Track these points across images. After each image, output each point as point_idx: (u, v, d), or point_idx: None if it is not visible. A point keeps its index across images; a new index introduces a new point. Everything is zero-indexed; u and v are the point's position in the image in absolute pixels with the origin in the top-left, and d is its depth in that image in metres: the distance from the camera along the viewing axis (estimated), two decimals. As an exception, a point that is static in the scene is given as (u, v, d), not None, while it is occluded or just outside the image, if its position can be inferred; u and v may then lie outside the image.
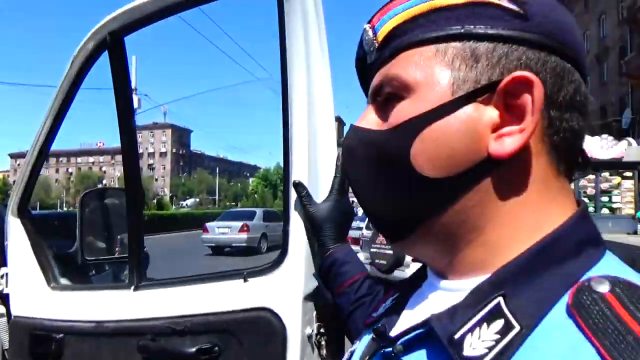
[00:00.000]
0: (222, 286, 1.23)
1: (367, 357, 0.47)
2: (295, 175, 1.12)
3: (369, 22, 0.48)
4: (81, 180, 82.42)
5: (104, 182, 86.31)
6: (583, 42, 0.46)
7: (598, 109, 30.47)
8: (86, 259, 1.58)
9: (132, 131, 1.38)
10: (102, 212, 1.67)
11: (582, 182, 18.15)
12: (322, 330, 1.12)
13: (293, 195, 1.11)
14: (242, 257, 14.25)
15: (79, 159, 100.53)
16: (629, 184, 18.12)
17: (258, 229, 15.83)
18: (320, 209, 1.05)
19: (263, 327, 1.13)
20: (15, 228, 1.49)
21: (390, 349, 0.43)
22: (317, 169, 1.13)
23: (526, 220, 0.41)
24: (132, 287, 1.32)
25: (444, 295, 0.43)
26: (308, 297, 1.12)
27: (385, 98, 0.45)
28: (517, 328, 0.35)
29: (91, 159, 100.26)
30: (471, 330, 0.37)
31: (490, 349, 0.35)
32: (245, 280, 1.21)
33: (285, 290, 1.13)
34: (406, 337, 0.42)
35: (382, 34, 0.46)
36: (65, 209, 63.28)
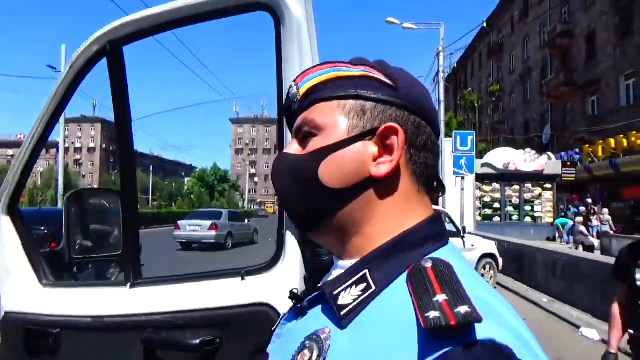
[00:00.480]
0: (220, 284, 1.34)
1: (286, 314, 0.70)
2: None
3: (294, 81, 0.68)
4: (-2, 174, 76.52)
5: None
6: (435, 107, 0.68)
7: (522, 124, 32.72)
8: (73, 257, 1.62)
9: (129, 135, 1.45)
10: (86, 212, 1.71)
11: (508, 192, 19.53)
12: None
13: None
14: (211, 252, 16.36)
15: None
16: (548, 194, 19.71)
17: (224, 228, 18.01)
18: None
19: (263, 321, 1.25)
20: (5, 226, 1.51)
21: (299, 305, 0.64)
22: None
23: (392, 221, 0.61)
24: (129, 285, 1.39)
25: (338, 271, 0.62)
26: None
27: (303, 134, 0.65)
28: (373, 288, 0.55)
29: (10, 152, 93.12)
30: (344, 290, 0.57)
31: (355, 300, 0.55)
32: (242, 278, 1.33)
33: (283, 286, 1.26)
34: (310, 297, 0.63)
35: (302, 90, 0.66)
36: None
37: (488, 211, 19.55)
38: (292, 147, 0.66)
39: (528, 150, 20.29)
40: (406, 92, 0.63)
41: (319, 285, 0.64)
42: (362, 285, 0.55)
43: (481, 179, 19.09)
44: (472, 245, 9.38)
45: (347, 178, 0.60)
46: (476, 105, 39.57)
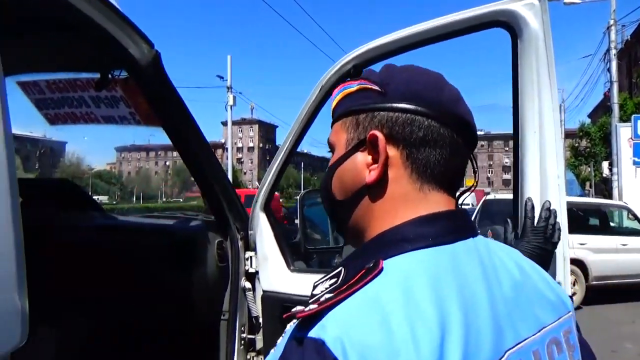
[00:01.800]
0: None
1: None
2: (529, 187, 1.33)
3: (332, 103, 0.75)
4: (177, 172, 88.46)
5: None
6: (442, 100, 0.66)
7: None
8: (307, 248, 1.92)
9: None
10: (316, 209, 2.01)
11: None
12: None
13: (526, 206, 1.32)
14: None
15: (174, 153, 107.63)
16: None
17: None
18: None
19: None
20: (262, 220, 1.85)
21: None
22: (547, 183, 1.32)
23: (386, 223, 0.63)
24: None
25: None
26: None
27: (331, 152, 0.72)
28: (338, 283, 0.55)
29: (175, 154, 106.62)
30: (322, 282, 0.58)
31: (321, 291, 0.55)
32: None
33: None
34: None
35: (332, 111, 0.73)
36: (164, 199, 68.14)
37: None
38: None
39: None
40: (394, 93, 0.65)
41: None
42: (333, 280, 0.58)
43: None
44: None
45: (347, 189, 0.67)
46: (659, 83, 33.96)
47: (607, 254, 7.81)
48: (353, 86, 0.69)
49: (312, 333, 0.49)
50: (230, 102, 27.33)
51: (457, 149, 0.66)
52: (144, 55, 1.44)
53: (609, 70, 17.28)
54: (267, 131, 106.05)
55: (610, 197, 15.29)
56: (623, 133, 14.24)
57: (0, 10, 1.22)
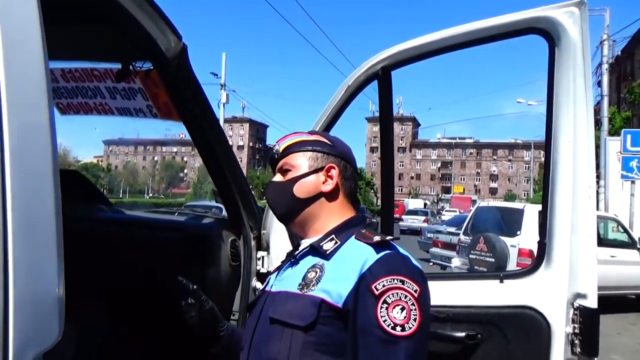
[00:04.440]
0: (480, 284, 1.46)
1: (281, 266, 1.16)
2: (560, 196, 1.32)
3: (277, 142, 1.18)
4: (165, 168, 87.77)
5: (185, 171, 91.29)
6: (354, 159, 1.19)
7: None
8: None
9: (391, 149, 1.65)
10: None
11: None
12: (576, 330, 1.32)
13: (557, 204, 1.31)
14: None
15: (164, 148, 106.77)
16: None
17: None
18: None
19: (527, 324, 1.35)
20: (276, 220, 1.81)
21: (293, 258, 1.11)
22: (577, 192, 1.32)
23: (336, 215, 1.12)
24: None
25: (306, 242, 1.11)
26: None
27: (284, 170, 1.14)
28: (339, 242, 1.06)
29: (174, 149, 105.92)
30: (324, 244, 1.06)
31: (330, 247, 1.05)
32: (501, 281, 1.43)
33: (549, 291, 1.34)
34: (301, 252, 1.10)
35: (282, 147, 1.16)
36: (150, 194, 67.49)
37: (664, 220, 16.99)
38: (277, 177, 1.16)
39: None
40: (338, 149, 1.15)
41: (300, 249, 1.12)
42: (333, 242, 1.06)
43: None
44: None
45: (309, 192, 1.11)
46: (646, 99, 34.43)
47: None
48: (310, 137, 1.16)
49: (398, 250, 1.02)
50: (223, 100, 27.10)
51: (356, 183, 1.18)
52: (172, 48, 1.41)
53: (599, 84, 17.49)
54: (258, 130, 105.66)
55: (597, 209, 15.46)
56: (612, 146, 14.43)
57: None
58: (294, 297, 1.01)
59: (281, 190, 1.13)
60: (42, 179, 0.76)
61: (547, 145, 1.37)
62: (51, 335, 0.75)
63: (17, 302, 0.69)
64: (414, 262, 1.01)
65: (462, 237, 8.57)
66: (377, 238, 1.01)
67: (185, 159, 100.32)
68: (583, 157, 1.29)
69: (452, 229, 10.47)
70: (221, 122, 28.52)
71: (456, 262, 8.37)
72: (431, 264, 10.39)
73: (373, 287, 0.93)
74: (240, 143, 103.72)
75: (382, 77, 1.58)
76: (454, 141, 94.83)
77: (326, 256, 1.04)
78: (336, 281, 0.98)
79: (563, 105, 1.31)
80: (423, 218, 27.75)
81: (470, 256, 7.54)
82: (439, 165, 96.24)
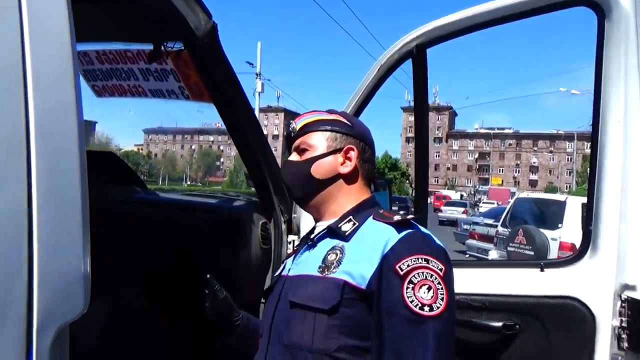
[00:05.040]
0: (518, 273, 1.39)
1: (297, 250, 1.14)
2: (607, 181, 1.23)
3: (293, 120, 1.14)
4: (202, 156, 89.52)
5: (222, 159, 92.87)
6: (372, 140, 1.15)
7: None
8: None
9: (426, 130, 1.58)
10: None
11: None
12: (624, 324, 1.23)
13: (604, 193, 1.22)
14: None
15: (201, 137, 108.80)
16: None
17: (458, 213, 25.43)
18: None
19: (569, 315, 1.27)
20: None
21: (310, 242, 1.08)
22: (628, 177, 1.23)
23: (353, 196, 1.08)
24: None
25: (322, 224, 1.09)
26: None
27: (301, 150, 1.11)
28: (357, 223, 1.03)
29: (211, 138, 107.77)
30: (342, 225, 1.04)
31: (349, 228, 1.03)
32: (542, 270, 1.36)
33: (595, 282, 1.25)
34: (318, 235, 1.07)
35: (299, 125, 1.11)
36: (188, 182, 69.06)
37: None
38: (294, 157, 1.12)
39: None
40: (357, 129, 1.12)
41: (317, 231, 1.09)
42: (351, 223, 1.03)
43: None
44: None
45: (327, 173, 1.07)
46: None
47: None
48: (330, 116, 1.12)
49: (419, 229, 0.99)
50: (259, 89, 27.29)
51: (374, 165, 1.15)
52: (202, 26, 1.39)
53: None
54: (293, 120, 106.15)
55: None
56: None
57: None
58: (315, 280, 0.98)
59: (298, 170, 1.09)
60: (67, 156, 0.76)
61: (594, 126, 1.28)
62: (76, 307, 0.75)
63: (41, 273, 0.70)
64: (436, 240, 0.98)
65: (500, 229, 8.33)
66: (397, 217, 0.98)
67: (221, 147, 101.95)
68: (635, 138, 1.20)
69: (490, 221, 10.21)
70: (256, 111, 28.88)
71: (493, 255, 8.15)
72: (467, 255, 10.18)
73: (397, 267, 0.90)
74: (275, 132, 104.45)
75: (417, 55, 1.52)
76: (492, 131, 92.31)
77: (345, 237, 1.01)
78: (358, 262, 0.95)
79: (613, 83, 1.21)
80: (462, 209, 27.21)
81: (509, 248, 7.32)
82: (477, 156, 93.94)
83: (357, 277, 0.93)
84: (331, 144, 1.08)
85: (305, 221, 1.82)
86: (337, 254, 0.98)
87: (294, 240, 1.85)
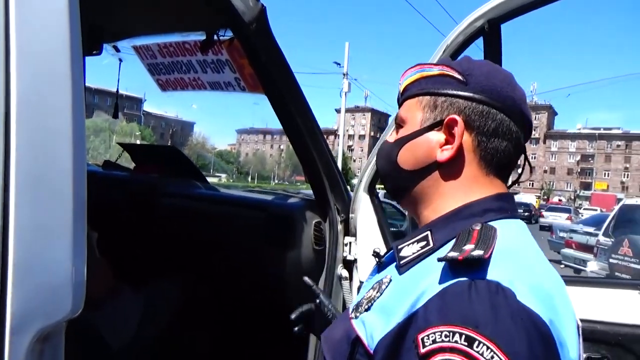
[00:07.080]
0: (612, 294, 1.14)
1: (371, 270, 0.82)
2: None
3: (400, 79, 0.80)
4: (290, 156, 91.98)
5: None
6: (514, 97, 0.72)
7: None
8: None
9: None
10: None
11: None
12: None
13: None
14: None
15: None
16: None
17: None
18: None
19: None
20: (365, 203, 1.64)
21: (379, 261, 0.79)
22: None
23: (456, 198, 0.70)
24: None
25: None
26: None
27: (397, 126, 0.79)
28: (431, 245, 0.68)
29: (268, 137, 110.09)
30: (407, 245, 0.70)
31: (413, 253, 0.69)
32: (644, 292, 1.09)
33: None
34: (386, 255, 0.79)
35: (400, 89, 0.79)
36: (276, 181, 71.35)
37: None
38: (391, 136, 0.80)
39: None
40: (475, 85, 0.71)
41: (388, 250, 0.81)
42: (423, 243, 0.68)
43: None
44: None
45: (417, 162, 0.73)
46: None
47: None
48: (433, 70, 0.74)
49: (493, 277, 0.56)
50: (345, 89, 27.42)
51: (518, 145, 0.73)
52: (249, 9, 1.29)
53: None
54: (380, 120, 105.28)
55: None
56: None
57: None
58: (343, 320, 0.74)
59: (386, 155, 0.78)
60: (55, 136, 0.67)
61: None
62: (63, 308, 0.67)
63: (17, 272, 0.61)
64: (530, 297, 0.55)
65: (601, 238, 7.51)
66: (471, 249, 0.59)
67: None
68: None
69: (590, 229, 9.27)
70: (343, 111, 29.04)
71: (593, 266, 7.36)
72: (562, 266, 9.33)
73: (420, 339, 0.56)
74: (362, 132, 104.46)
75: (489, 32, 1.31)
76: (597, 132, 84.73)
77: (399, 267, 0.69)
78: (384, 311, 0.64)
79: None
80: (566, 215, 25.20)
81: (611, 260, 6.60)
82: (578, 158, 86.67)
83: (370, 332, 0.65)
84: (428, 114, 0.72)
85: (364, 223, 1.67)
86: (376, 290, 0.69)
87: (350, 243, 1.71)
